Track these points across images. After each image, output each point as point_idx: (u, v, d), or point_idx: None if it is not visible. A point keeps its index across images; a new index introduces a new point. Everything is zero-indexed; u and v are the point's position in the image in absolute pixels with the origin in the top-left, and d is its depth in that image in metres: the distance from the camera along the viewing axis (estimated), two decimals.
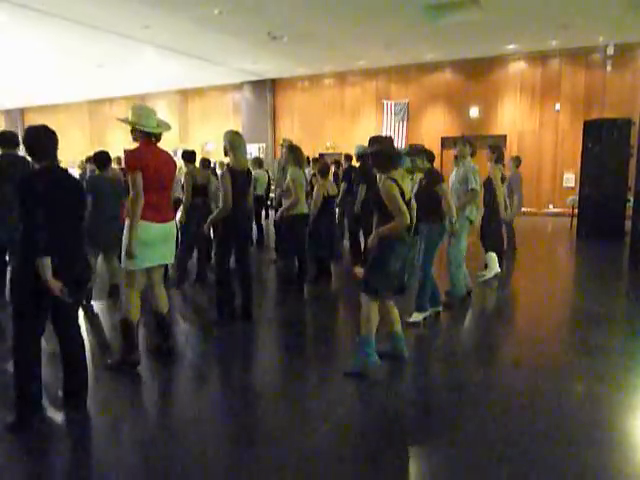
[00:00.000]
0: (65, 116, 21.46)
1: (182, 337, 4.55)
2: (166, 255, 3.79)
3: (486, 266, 6.63)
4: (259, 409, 3.22)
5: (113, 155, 6.73)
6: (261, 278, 6.81)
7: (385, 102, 15.86)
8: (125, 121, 3.64)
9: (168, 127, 3.76)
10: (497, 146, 6.63)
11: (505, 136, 14.49)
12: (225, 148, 4.50)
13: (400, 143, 15.52)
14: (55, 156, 2.93)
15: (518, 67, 14.24)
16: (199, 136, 18.84)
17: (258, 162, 9.33)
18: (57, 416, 3.09)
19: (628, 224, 9.81)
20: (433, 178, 4.64)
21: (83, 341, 3.14)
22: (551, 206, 14.03)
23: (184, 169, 6.53)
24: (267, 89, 17.61)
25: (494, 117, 14.65)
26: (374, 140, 3.80)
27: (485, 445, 2.69)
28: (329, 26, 11.39)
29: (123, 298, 3.72)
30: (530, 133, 14.24)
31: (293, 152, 5.73)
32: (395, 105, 15.71)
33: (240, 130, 17.84)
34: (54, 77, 16.73)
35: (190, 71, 15.97)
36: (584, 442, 2.73)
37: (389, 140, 3.75)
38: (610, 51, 12.78)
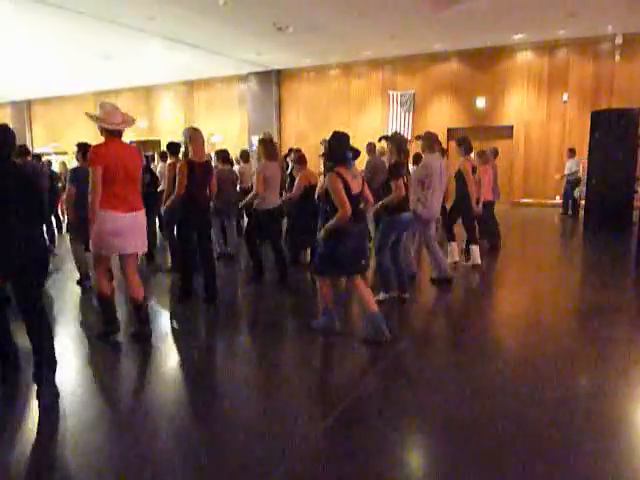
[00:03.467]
0: (71, 108, 21.44)
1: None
2: (137, 244, 4.00)
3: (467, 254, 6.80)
4: (235, 391, 3.28)
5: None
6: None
7: (391, 93, 15.79)
8: (93, 118, 3.87)
9: (132, 121, 4.00)
10: (464, 138, 6.70)
11: (512, 127, 14.40)
12: (185, 142, 4.84)
13: (406, 134, 15.47)
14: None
15: (525, 57, 14.12)
16: (205, 127, 18.68)
17: (245, 155, 9.27)
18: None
19: (636, 215, 9.79)
20: (391, 173, 4.88)
21: (48, 326, 3.25)
22: (558, 197, 13.94)
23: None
24: (273, 80, 17.55)
25: (501, 108, 14.55)
26: (332, 135, 4.04)
27: (490, 434, 2.71)
28: (334, 16, 11.33)
29: (93, 278, 4.08)
30: (537, 124, 14.15)
31: (264, 145, 5.76)
32: (401, 96, 15.64)
33: (246, 121, 17.90)
34: (60, 69, 16.73)
35: (196, 62, 15.94)
36: (590, 432, 2.74)
37: (342, 137, 3.99)
38: (619, 41, 12.67)
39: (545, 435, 2.68)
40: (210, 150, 10.48)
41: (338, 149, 3.93)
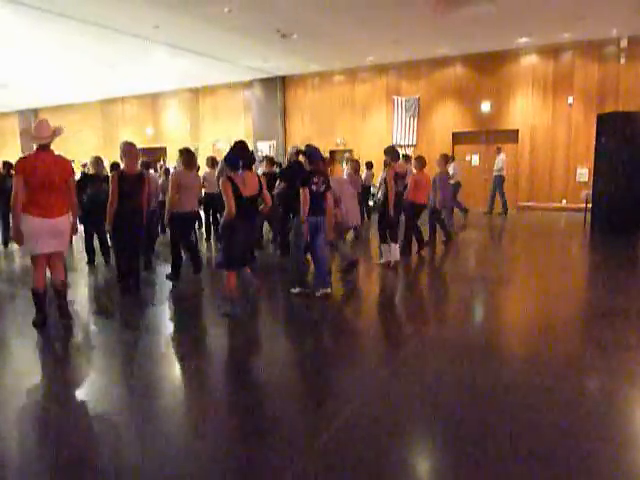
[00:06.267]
0: (78, 116, 21.63)
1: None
2: (55, 244, 4.50)
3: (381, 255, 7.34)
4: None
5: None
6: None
7: (395, 98, 15.80)
8: (28, 136, 4.43)
9: (61, 131, 4.52)
10: (390, 147, 7.46)
11: (517, 130, 14.37)
12: (120, 156, 5.56)
13: (411, 139, 15.48)
14: None
15: (530, 61, 14.10)
16: (210, 134, 18.93)
17: (212, 162, 9.67)
18: None
19: None
20: (302, 180, 5.42)
21: None
22: (564, 201, 13.89)
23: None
24: (277, 87, 17.61)
25: (506, 111, 14.52)
26: (233, 144, 4.79)
27: (497, 442, 2.69)
28: (338, 22, 11.36)
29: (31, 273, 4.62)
30: (543, 127, 14.10)
31: (182, 154, 6.42)
32: (406, 101, 15.64)
33: (251, 128, 17.95)
34: (67, 77, 16.88)
35: (201, 69, 16.03)
36: (598, 438, 2.72)
37: (238, 145, 4.73)
38: (624, 44, 12.62)
39: (552, 440, 2.66)
40: (216, 156, 10.60)
41: (233, 157, 4.62)
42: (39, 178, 4.25)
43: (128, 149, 5.49)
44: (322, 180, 5.50)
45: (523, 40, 13.25)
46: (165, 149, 19.82)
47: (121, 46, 12.92)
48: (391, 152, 7.22)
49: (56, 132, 4.43)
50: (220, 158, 10.67)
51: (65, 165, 4.54)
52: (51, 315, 4.75)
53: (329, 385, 3.55)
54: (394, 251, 7.15)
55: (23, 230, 4.28)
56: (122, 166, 6.27)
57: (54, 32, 11.68)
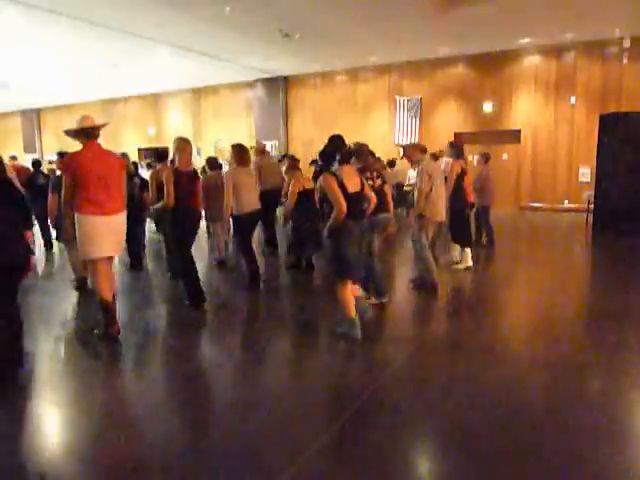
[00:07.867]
0: (80, 116, 21.58)
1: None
2: (116, 247, 4.24)
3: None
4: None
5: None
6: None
7: (397, 98, 15.79)
8: (70, 132, 4.16)
9: (104, 123, 4.34)
10: (456, 143, 6.96)
11: (519, 131, 14.34)
12: (174, 152, 5.12)
13: (413, 139, 15.46)
14: None
15: (532, 61, 14.07)
16: (212, 134, 18.93)
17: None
18: None
19: None
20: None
21: (21, 320, 3.62)
22: (566, 202, 13.87)
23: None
24: (279, 86, 17.62)
25: (508, 112, 14.50)
26: (329, 140, 4.34)
27: (497, 443, 2.69)
28: (340, 22, 11.35)
29: (94, 284, 4.28)
30: (545, 127, 14.08)
31: (234, 150, 5.94)
32: (408, 101, 15.63)
33: (253, 128, 17.97)
34: (69, 77, 16.89)
35: (203, 69, 16.04)
36: (600, 439, 2.72)
37: (334, 140, 4.33)
38: (626, 43, 12.58)
39: (555, 441, 2.66)
40: (218, 156, 10.61)
41: (328, 152, 4.15)
42: (97, 173, 3.99)
43: (182, 146, 5.06)
44: (376, 175, 5.10)
45: (525, 40, 13.24)
46: (167, 149, 19.82)
47: (123, 46, 12.92)
48: (457, 148, 6.75)
49: (100, 123, 4.23)
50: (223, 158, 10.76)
51: (116, 158, 4.35)
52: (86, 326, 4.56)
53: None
54: (466, 255, 6.78)
55: (86, 232, 4.00)
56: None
57: (56, 32, 11.67)
